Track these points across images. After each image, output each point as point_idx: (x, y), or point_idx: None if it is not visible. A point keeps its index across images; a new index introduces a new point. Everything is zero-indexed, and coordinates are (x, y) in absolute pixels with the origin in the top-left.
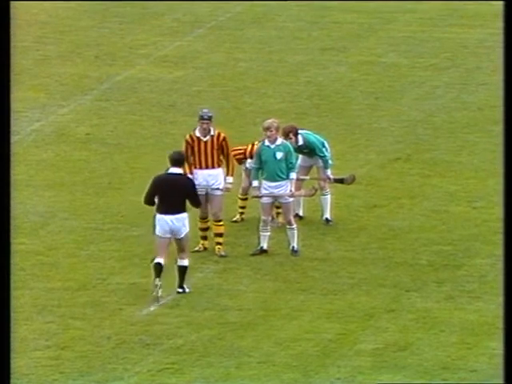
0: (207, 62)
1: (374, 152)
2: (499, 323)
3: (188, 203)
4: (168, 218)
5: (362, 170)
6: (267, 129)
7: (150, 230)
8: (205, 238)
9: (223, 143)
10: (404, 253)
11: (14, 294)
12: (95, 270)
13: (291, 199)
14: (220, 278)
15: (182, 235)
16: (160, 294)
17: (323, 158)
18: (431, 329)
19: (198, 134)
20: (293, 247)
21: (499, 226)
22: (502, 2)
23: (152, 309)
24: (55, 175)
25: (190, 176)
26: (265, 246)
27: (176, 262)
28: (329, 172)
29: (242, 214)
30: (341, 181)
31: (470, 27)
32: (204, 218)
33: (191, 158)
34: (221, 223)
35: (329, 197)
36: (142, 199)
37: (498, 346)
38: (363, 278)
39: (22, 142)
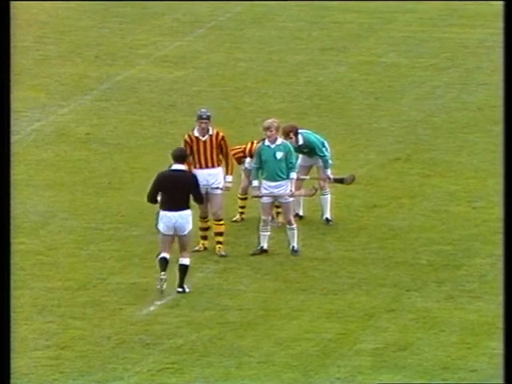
0: (207, 62)
1: (373, 152)
2: (499, 323)
3: (192, 201)
4: (172, 214)
5: (361, 169)
6: (267, 129)
7: (149, 230)
8: (205, 237)
9: (222, 142)
10: (404, 252)
11: (14, 293)
12: (95, 269)
13: (291, 199)
14: (220, 277)
15: (186, 232)
16: (165, 287)
17: (323, 157)
18: (431, 329)
19: (196, 133)
20: (293, 247)
21: (499, 225)
22: (501, 2)
23: (152, 308)
24: (55, 175)
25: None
26: (265, 245)
27: (177, 260)
28: (329, 172)
29: (241, 213)
30: (341, 181)
31: (470, 27)
32: (204, 218)
33: (190, 158)
34: (221, 222)
35: (329, 196)
36: (146, 197)
37: (498, 345)
38: (363, 277)
39: (22, 142)
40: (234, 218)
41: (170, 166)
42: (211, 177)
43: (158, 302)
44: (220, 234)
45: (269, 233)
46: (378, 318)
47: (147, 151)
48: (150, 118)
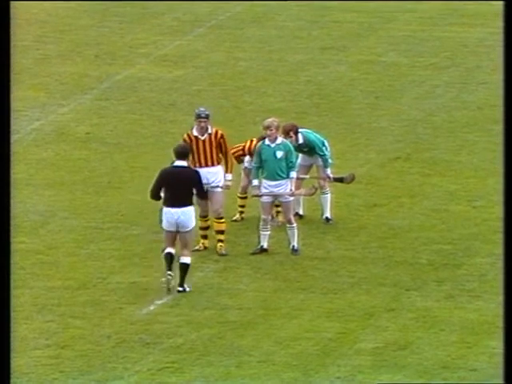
0: (207, 61)
1: (373, 151)
2: (499, 322)
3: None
4: (175, 211)
5: (361, 169)
6: (267, 128)
7: (150, 229)
8: (205, 236)
9: (221, 140)
10: (404, 252)
11: (14, 292)
12: (95, 268)
13: (291, 198)
14: (220, 276)
15: (188, 229)
16: (172, 284)
17: (323, 156)
18: (431, 328)
19: (195, 133)
20: (293, 246)
21: (499, 225)
22: (501, 2)
23: (152, 308)
24: (55, 174)
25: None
26: (265, 244)
27: (177, 259)
28: (328, 171)
29: (241, 213)
30: (340, 180)
31: (470, 26)
32: (204, 217)
33: (190, 157)
34: (222, 220)
35: (329, 196)
36: (149, 193)
37: (497, 345)
38: (363, 276)
39: (22, 141)
40: (234, 218)
41: (173, 162)
42: (211, 175)
43: (158, 302)
44: (221, 232)
45: (269, 232)
46: (378, 317)
47: (147, 150)
48: (150, 117)
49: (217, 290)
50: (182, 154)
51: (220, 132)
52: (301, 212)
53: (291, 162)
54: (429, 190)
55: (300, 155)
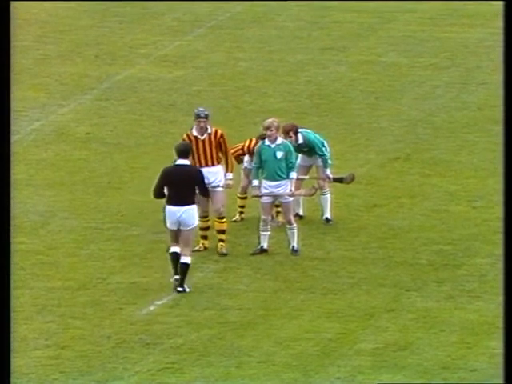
0: (207, 61)
1: (373, 151)
2: (499, 323)
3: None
4: (177, 209)
5: (361, 169)
6: (267, 128)
7: (150, 230)
8: (205, 237)
9: (221, 140)
10: (404, 252)
11: (14, 293)
12: (95, 269)
13: (291, 199)
14: (220, 277)
15: (190, 227)
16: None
17: (323, 156)
18: (431, 328)
19: (195, 133)
20: (293, 247)
21: (499, 225)
22: (501, 2)
23: (152, 308)
24: (55, 174)
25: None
26: (265, 245)
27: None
28: (328, 171)
29: (241, 213)
30: (340, 180)
31: (470, 26)
32: (205, 217)
33: (190, 157)
34: (223, 220)
35: (328, 196)
36: (151, 193)
37: (498, 345)
38: (363, 277)
39: (22, 142)
40: (234, 218)
41: (174, 161)
42: (211, 175)
43: (158, 302)
44: (222, 231)
45: (269, 232)
46: (378, 317)
47: (147, 151)
48: (150, 117)
49: (217, 291)
50: (183, 152)
51: (220, 131)
52: (301, 212)
53: (291, 162)
54: (429, 191)
55: (299, 156)
